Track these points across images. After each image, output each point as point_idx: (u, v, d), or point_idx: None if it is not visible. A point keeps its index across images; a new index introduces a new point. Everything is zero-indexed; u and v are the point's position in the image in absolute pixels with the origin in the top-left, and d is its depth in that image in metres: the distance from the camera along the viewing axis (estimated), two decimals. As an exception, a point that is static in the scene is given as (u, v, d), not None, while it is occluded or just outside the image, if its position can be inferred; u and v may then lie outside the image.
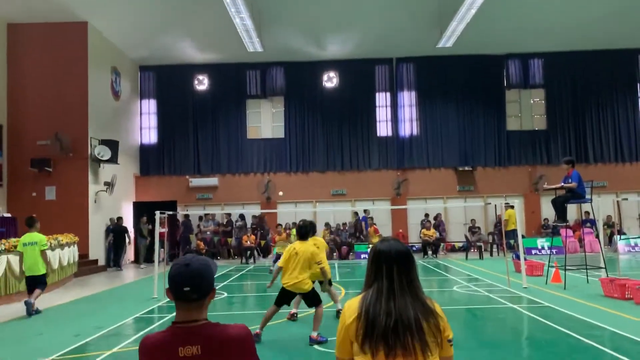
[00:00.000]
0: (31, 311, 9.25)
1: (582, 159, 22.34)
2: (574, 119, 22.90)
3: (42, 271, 9.59)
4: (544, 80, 23.24)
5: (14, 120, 17.63)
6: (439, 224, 21.22)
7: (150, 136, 23.32)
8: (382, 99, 23.29)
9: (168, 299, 10.24)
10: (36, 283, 9.52)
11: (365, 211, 21.06)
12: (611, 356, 5.74)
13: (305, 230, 7.12)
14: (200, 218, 21.33)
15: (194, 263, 2.31)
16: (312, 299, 6.93)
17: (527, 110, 23.52)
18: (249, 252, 19.38)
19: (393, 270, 2.52)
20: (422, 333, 2.38)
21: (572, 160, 10.89)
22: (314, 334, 6.59)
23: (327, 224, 20.73)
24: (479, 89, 22.89)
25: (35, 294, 9.41)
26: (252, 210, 21.53)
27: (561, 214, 11.03)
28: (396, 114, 23.09)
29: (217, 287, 9.62)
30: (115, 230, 18.73)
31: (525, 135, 23.06)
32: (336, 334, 2.56)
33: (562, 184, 10.72)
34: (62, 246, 13.64)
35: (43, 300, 11.14)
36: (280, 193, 21.25)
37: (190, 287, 2.26)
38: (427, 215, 21.16)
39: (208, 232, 20.84)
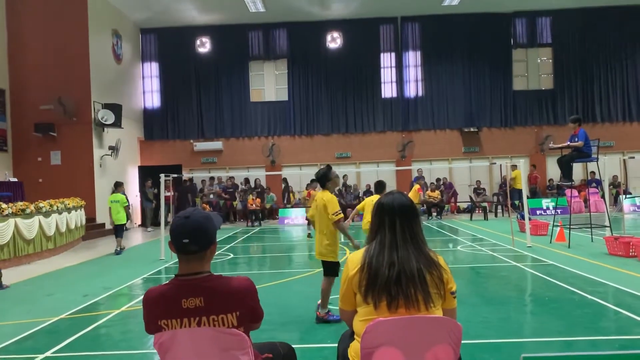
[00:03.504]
0: (118, 251, 12.41)
1: (590, 119, 22.11)
2: (582, 78, 22.55)
3: (123, 221, 12.61)
4: (552, 39, 22.79)
5: (16, 85, 17.54)
6: (444, 186, 21.15)
7: (154, 100, 23.18)
8: (386, 60, 22.95)
9: (175, 261, 10.37)
10: (118, 231, 12.59)
11: (418, 171, 20.40)
12: (614, 311, 5.78)
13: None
14: (203, 182, 21.43)
15: (194, 216, 2.31)
16: None
17: (534, 69, 23.15)
18: (254, 215, 19.53)
19: (396, 222, 2.52)
20: (425, 284, 2.38)
21: (579, 119, 10.73)
22: None
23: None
24: (485, 48, 22.49)
25: (118, 241, 12.55)
26: (257, 173, 21.59)
27: (567, 173, 10.96)
28: (401, 75, 22.79)
29: (223, 249, 9.70)
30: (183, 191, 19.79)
31: (532, 95, 22.77)
32: (340, 286, 2.57)
33: (569, 142, 10.61)
34: (68, 210, 13.75)
35: (52, 264, 11.33)
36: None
37: (189, 239, 2.26)
38: (438, 180, 20.96)
39: (212, 195, 20.94)
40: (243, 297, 2.31)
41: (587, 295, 6.46)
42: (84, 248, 14.31)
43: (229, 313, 2.27)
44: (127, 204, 12.87)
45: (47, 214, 12.30)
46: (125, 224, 12.83)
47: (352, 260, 2.52)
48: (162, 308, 2.28)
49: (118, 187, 13.03)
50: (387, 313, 2.33)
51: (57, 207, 12.88)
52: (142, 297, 2.42)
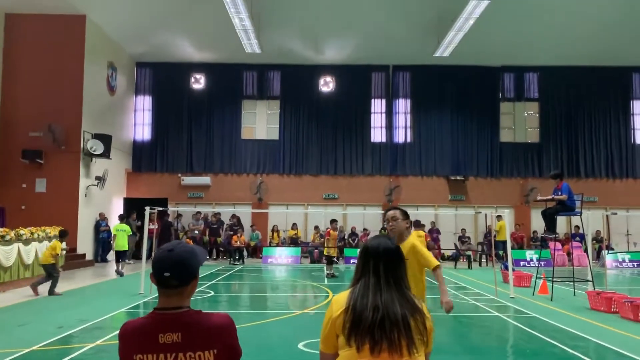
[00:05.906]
0: (121, 273, 14.31)
1: (574, 174, 22.47)
2: (567, 134, 23.03)
3: (126, 248, 14.76)
4: (539, 94, 23.39)
5: (6, 110, 17.50)
6: (432, 231, 21.15)
7: (144, 133, 23.22)
8: (377, 106, 23.34)
9: (154, 295, 10.19)
10: (122, 256, 14.45)
11: None
12: (594, 367, 5.75)
13: None
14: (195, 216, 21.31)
15: (177, 249, 2.29)
16: None
17: (520, 122, 23.63)
18: (237, 253, 19.33)
19: (380, 266, 2.51)
20: (409, 330, 2.36)
21: (558, 175, 10.89)
22: None
23: (316, 227, 20.76)
24: (473, 100, 22.98)
25: (121, 264, 14.37)
26: (244, 210, 21.50)
27: (550, 225, 11.07)
28: (391, 121, 23.13)
29: (204, 286, 9.59)
30: (165, 226, 19.93)
31: (518, 148, 23.17)
32: (321, 327, 2.54)
33: (553, 196, 10.75)
34: (49, 239, 13.52)
35: (28, 292, 11.06)
36: None
37: (170, 273, 2.24)
38: (421, 224, 20.91)
39: (196, 232, 20.75)
40: (222, 334, 2.27)
41: (568, 350, 6.43)
42: (62, 278, 13.92)
43: (207, 350, 2.22)
44: (131, 233, 15.19)
45: (27, 242, 12.11)
46: (127, 251, 15.03)
47: (337, 301, 2.50)
48: (138, 342, 2.23)
49: (124, 218, 15.97)
50: (369, 358, 2.30)
51: (38, 234, 12.68)
52: (117, 331, 2.38)
